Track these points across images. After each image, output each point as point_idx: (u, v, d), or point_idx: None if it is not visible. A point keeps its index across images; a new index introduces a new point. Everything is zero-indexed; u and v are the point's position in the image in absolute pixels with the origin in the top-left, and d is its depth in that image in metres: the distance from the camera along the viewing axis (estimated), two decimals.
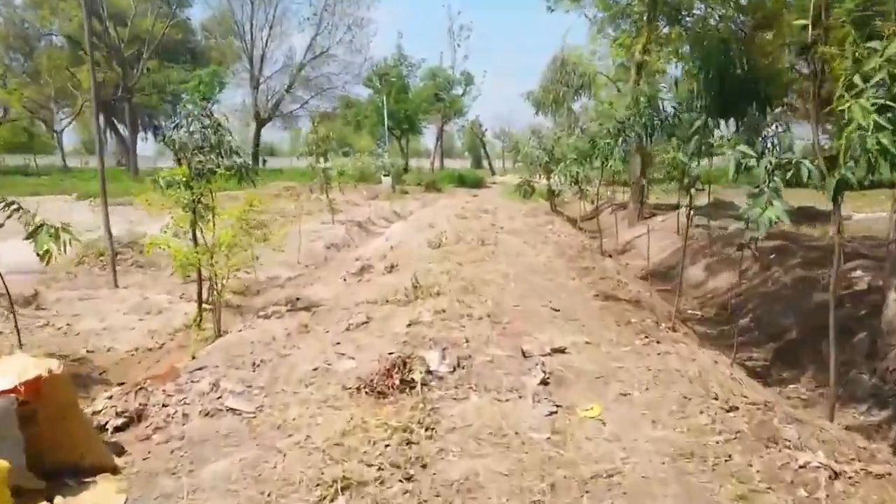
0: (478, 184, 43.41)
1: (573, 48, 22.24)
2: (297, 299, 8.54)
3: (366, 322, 7.08)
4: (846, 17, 10.96)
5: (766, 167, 4.98)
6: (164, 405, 4.63)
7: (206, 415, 4.54)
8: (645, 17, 19.76)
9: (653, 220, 20.87)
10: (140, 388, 4.80)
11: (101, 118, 61.56)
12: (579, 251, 13.57)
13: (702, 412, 4.55)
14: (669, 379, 5.29)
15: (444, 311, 7.37)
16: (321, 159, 18.27)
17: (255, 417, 4.53)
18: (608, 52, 31.87)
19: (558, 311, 7.77)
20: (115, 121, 67.31)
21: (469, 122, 54.35)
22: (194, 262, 7.56)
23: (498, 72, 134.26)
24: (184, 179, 7.73)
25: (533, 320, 7.24)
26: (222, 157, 9.15)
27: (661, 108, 10.75)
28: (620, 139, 11.21)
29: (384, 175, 36.33)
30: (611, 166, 14.22)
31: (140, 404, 4.61)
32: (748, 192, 5.65)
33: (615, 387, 5.16)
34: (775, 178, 4.98)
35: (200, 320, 8.04)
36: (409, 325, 6.97)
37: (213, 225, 7.96)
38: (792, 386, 7.72)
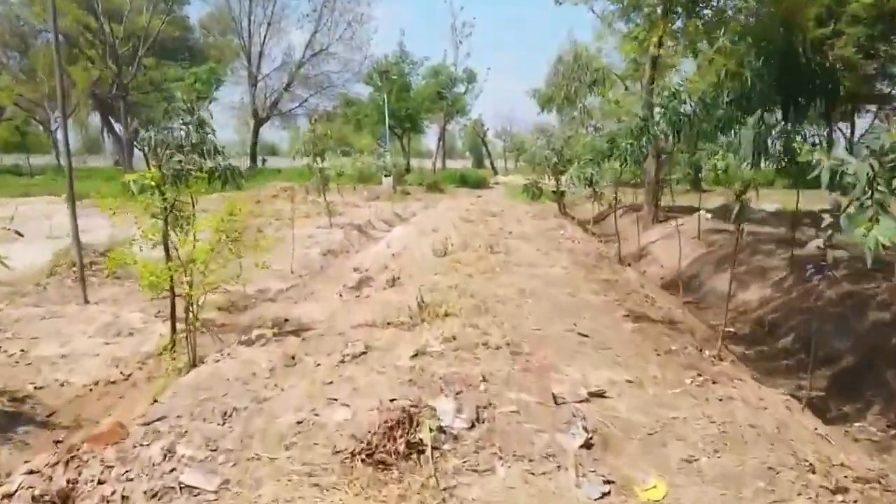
0: (480, 184, 42.33)
1: (580, 44, 21.21)
2: (286, 320, 7.48)
3: (364, 352, 6.02)
4: None
5: (867, 174, 3.92)
6: (99, 481, 3.58)
7: (154, 496, 3.48)
8: (659, 10, 18.68)
9: (669, 223, 19.81)
10: (72, 457, 3.74)
11: (98, 116, 60.57)
12: (597, 260, 12.51)
13: (800, 493, 3.49)
14: (742, 436, 4.22)
15: (454, 337, 6.32)
16: (318, 159, 17.22)
17: (216, 501, 3.47)
18: (615, 49, 30.75)
19: (587, 336, 6.71)
20: (112, 120, 66.44)
21: (471, 122, 53.30)
22: (164, 281, 6.49)
23: (499, 69, 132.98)
24: (153, 184, 6.65)
25: (559, 349, 6.19)
26: (204, 158, 8.13)
27: (687, 102, 9.74)
28: (644, 138, 10.17)
29: (385, 175, 35.29)
30: (629, 167, 13.23)
31: (69, 481, 3.55)
32: (831, 201, 4.58)
33: (676, 448, 4.10)
34: (879, 188, 3.91)
35: (173, 347, 6.99)
36: (414, 355, 5.92)
37: (193, 237, 6.90)
38: (858, 424, 6.66)
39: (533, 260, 11.62)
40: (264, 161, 51.32)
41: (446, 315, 7.21)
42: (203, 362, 6.46)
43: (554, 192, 24.44)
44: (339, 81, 48.42)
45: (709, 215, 19.50)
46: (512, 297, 8.42)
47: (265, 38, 47.98)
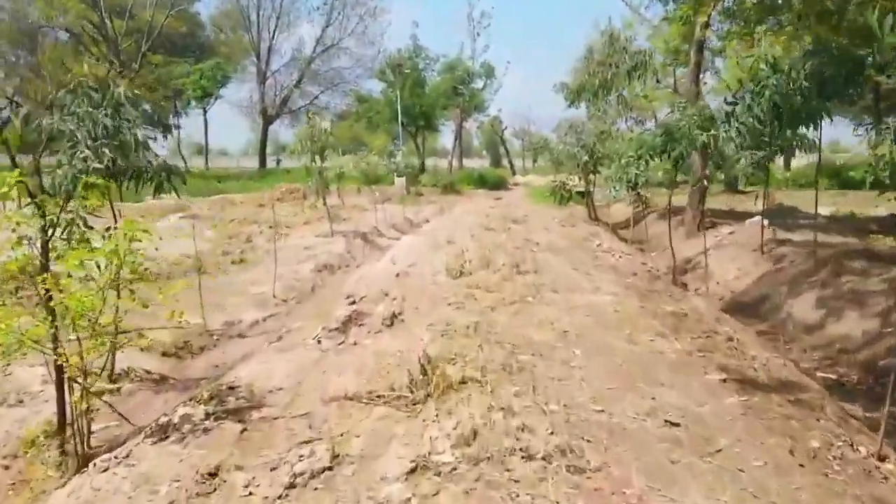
0: (499, 185, 39.98)
1: (615, 28, 18.72)
2: (232, 388, 5.21)
3: (328, 468, 3.74)
4: None
5: None
6: None
7: None
8: None
9: (718, 230, 17.34)
10: None
11: None
12: (649, 281, 10.13)
13: None
14: None
15: (474, 435, 4.02)
16: (317, 158, 15.03)
17: None
18: (646, 40, 28.28)
19: (678, 425, 4.38)
20: None
21: (489, 119, 50.95)
22: (25, 343, 4.24)
23: (517, 66, 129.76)
24: (11, 192, 4.38)
25: (641, 455, 3.87)
26: (124, 155, 5.91)
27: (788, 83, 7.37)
28: (731, 124, 7.82)
29: (397, 176, 33.11)
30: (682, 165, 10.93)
31: None
32: None
33: None
34: None
35: (63, 434, 4.75)
36: (410, 471, 3.65)
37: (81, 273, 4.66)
38: None
39: (571, 282, 9.28)
40: (278, 161, 49.42)
41: (462, 383, 4.91)
42: (94, 462, 4.23)
43: (582, 193, 22.09)
44: (350, 78, 46.40)
45: (764, 222, 17.03)
46: (553, 345, 6.10)
47: (274, 32, 46.05)
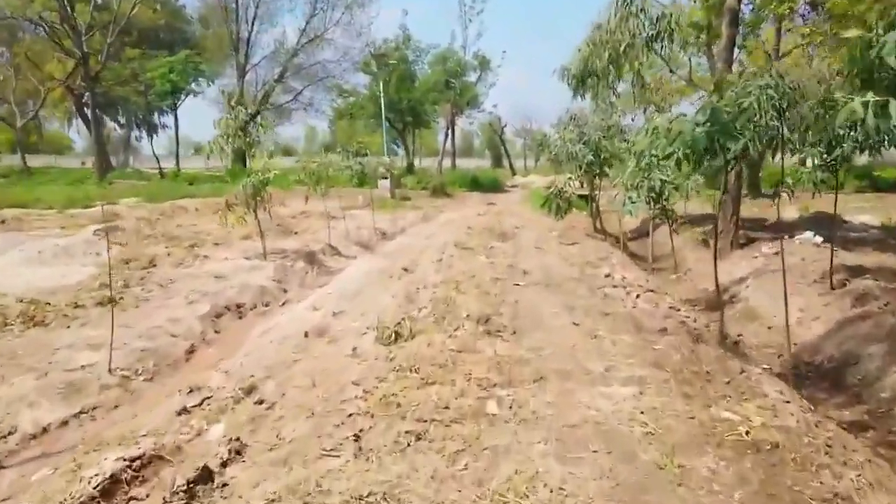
0: (495, 187, 36.49)
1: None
2: None
3: None
4: None
5: None
6: None
7: None
8: None
9: (754, 248, 13.85)
10: None
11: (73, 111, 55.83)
12: (687, 345, 6.64)
13: None
14: None
15: None
16: (248, 155, 11.66)
17: None
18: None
19: None
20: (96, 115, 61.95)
21: (489, 117, 47.49)
22: None
23: (517, 61, 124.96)
24: None
25: None
26: None
27: None
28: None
29: (381, 178, 29.73)
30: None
31: None
32: None
33: None
34: None
35: None
36: None
37: None
38: None
39: (567, 357, 5.82)
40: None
41: None
42: None
43: (584, 198, 18.67)
44: (337, 72, 42.86)
45: (818, 239, 13.55)
46: None
47: (253, 22, 42.60)
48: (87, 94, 42.83)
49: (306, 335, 6.69)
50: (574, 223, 19.17)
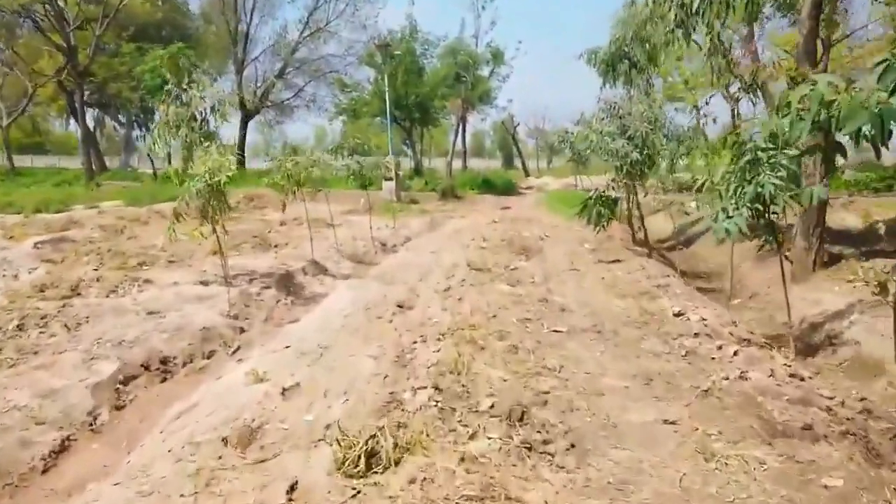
0: (509, 189, 33.70)
1: None
2: None
3: None
4: None
5: None
6: None
7: None
8: None
9: (841, 268, 11.07)
10: None
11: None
12: (859, 457, 3.97)
13: None
14: None
15: None
16: (193, 151, 9.07)
17: None
18: None
19: None
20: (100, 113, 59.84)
21: (502, 113, 44.64)
22: None
23: (530, 53, 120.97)
24: None
25: None
26: None
27: None
28: None
29: (385, 179, 27.09)
30: None
31: None
32: None
33: None
34: None
35: None
36: None
37: None
38: None
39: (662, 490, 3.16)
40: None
41: None
42: None
43: (615, 202, 15.93)
44: (340, 66, 40.28)
45: None
46: None
47: (252, 12, 40.14)
48: (71, 89, 40.51)
49: (225, 443, 4.03)
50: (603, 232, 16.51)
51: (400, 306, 7.28)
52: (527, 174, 54.63)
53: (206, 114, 9.26)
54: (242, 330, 8.00)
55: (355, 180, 14.61)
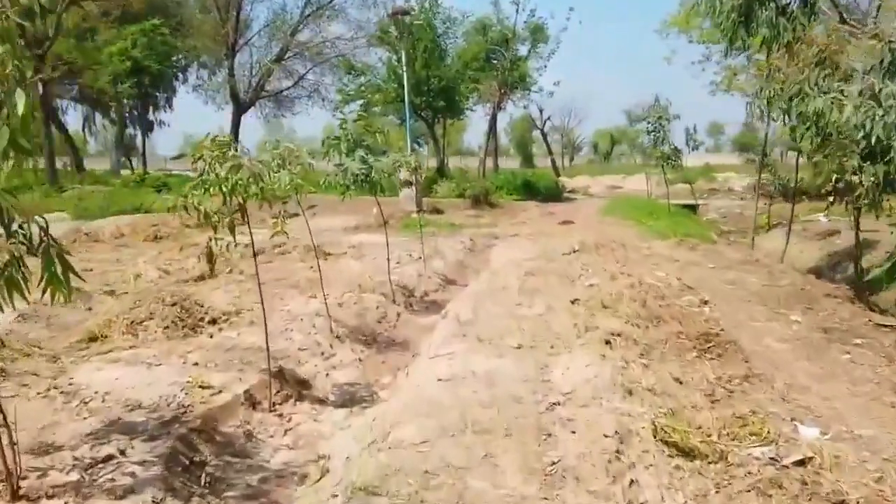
0: (555, 195, 27.67)
1: None
2: None
3: None
4: None
5: None
6: None
7: None
8: None
9: None
10: None
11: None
12: None
13: None
14: None
15: None
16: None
17: None
18: None
19: None
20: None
21: (547, 98, 37.80)
22: None
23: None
24: None
25: None
26: None
27: None
28: None
29: (404, 185, 21.10)
30: None
31: None
32: None
33: None
34: None
35: None
36: None
37: None
38: None
39: None
40: None
41: None
42: None
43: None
44: (347, 50, 34.25)
45: None
46: None
47: None
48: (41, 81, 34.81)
49: None
50: (709, 250, 10.53)
51: None
52: (558, 174, 48.56)
53: None
54: None
55: (359, 189, 8.52)
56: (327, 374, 6.17)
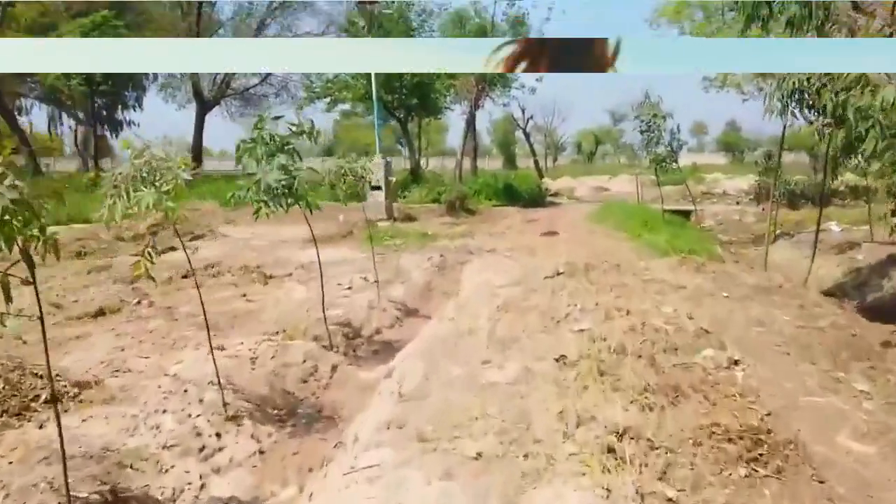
0: (538, 200, 25.80)
1: None
2: None
3: None
4: None
5: None
6: None
7: None
8: None
9: None
10: None
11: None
12: None
13: None
14: None
15: None
16: None
17: None
18: None
19: None
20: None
21: (529, 95, 36.12)
22: None
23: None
24: None
25: None
26: None
27: None
28: None
29: (372, 188, 19.11)
30: None
31: None
32: None
33: None
34: None
35: None
36: None
37: None
38: None
39: None
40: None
41: None
42: None
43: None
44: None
45: None
46: None
47: None
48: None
49: None
50: (774, 276, 8.73)
51: None
52: (541, 176, 46.75)
53: None
54: None
55: (276, 206, 6.49)
56: (201, 487, 4.21)
